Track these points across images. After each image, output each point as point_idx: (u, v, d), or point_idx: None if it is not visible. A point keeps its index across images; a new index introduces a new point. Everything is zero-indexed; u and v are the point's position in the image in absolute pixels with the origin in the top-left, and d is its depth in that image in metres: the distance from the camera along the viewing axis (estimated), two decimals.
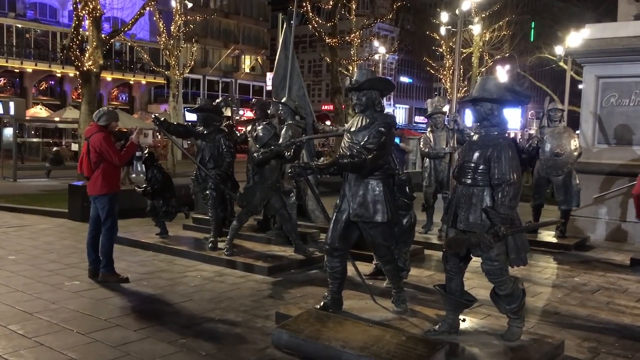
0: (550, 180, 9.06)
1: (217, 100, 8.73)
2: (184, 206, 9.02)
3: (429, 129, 9.13)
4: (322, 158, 5.52)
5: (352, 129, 4.85)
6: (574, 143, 8.71)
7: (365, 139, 4.69)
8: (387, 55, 42.98)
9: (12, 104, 21.08)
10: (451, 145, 8.69)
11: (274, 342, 4.54)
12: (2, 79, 36.40)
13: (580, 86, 14.79)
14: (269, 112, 8.34)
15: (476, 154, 4.20)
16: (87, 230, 6.54)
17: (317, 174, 5.29)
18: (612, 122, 9.80)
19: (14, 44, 35.45)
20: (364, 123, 4.78)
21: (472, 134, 4.49)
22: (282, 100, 8.32)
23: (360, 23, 26.26)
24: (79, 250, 7.79)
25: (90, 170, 6.35)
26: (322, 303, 5.02)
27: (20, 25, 35.63)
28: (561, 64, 30.67)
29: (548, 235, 9.27)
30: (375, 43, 35.50)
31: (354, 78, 4.86)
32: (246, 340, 4.70)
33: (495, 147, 4.12)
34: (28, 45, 36.20)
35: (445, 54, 31.16)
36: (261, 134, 7.36)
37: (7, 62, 34.65)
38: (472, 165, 4.19)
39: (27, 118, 28.15)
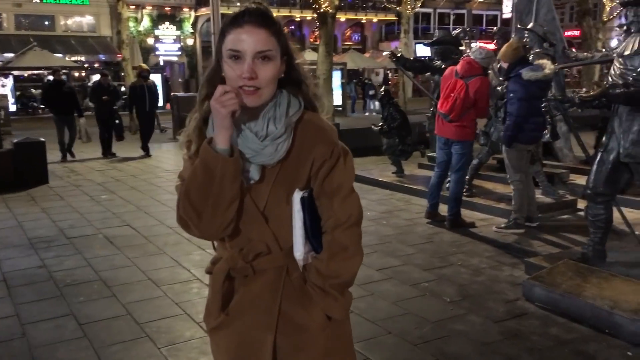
0: None
1: (456, 31, 8.21)
2: (420, 144, 8.82)
3: None
4: (583, 89, 4.77)
5: (626, 53, 4.05)
6: None
7: None
8: None
9: None
10: None
11: (525, 295, 4.15)
12: None
13: None
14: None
15: None
16: (434, 172, 6.37)
17: (577, 108, 4.61)
18: None
19: None
20: None
21: None
22: (528, 26, 7.45)
23: None
24: None
25: (457, 113, 5.82)
26: (580, 254, 4.45)
27: None
28: None
29: None
30: None
31: None
32: (492, 290, 4.38)
33: None
34: None
35: None
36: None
37: None
38: None
39: None
